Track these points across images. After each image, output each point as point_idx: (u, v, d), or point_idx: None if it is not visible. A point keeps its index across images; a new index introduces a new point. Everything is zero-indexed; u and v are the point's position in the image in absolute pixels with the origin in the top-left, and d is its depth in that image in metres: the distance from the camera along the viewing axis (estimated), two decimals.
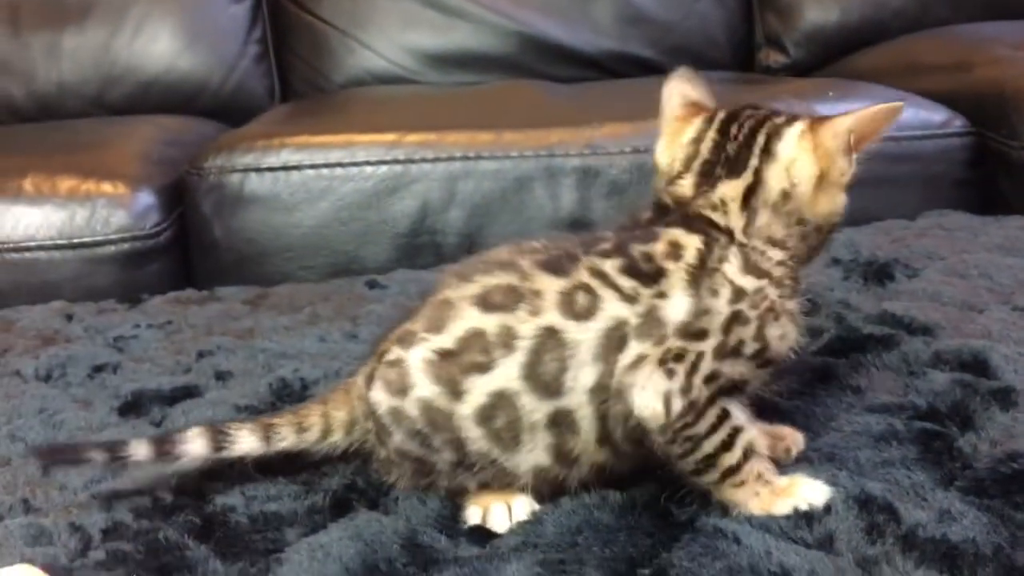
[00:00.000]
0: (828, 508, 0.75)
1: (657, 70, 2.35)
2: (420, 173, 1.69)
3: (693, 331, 0.76)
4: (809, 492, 0.78)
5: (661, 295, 0.77)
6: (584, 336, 0.77)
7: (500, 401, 0.78)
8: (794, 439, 0.87)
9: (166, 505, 0.86)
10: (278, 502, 0.85)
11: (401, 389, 0.80)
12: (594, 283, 0.78)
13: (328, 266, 1.69)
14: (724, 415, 0.77)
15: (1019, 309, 1.14)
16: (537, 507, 0.80)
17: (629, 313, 0.77)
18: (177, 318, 1.42)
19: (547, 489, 0.81)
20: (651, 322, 0.76)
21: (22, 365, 1.26)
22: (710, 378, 0.76)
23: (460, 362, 0.78)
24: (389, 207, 1.69)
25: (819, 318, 1.14)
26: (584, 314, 0.77)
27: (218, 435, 0.88)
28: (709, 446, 0.77)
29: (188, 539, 0.79)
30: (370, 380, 0.83)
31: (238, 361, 1.21)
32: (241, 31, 2.41)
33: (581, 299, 0.77)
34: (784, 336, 0.80)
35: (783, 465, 0.83)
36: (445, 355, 0.79)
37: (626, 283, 0.78)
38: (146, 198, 1.73)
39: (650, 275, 0.78)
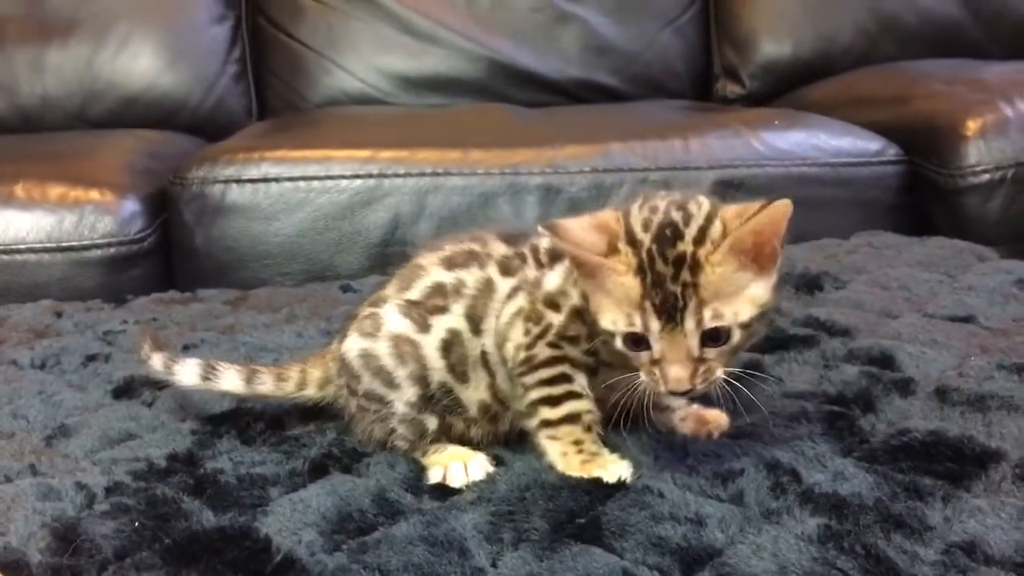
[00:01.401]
0: (741, 471, 0.86)
1: (620, 97, 2.50)
2: (392, 187, 1.78)
3: (552, 303, 0.90)
4: (614, 468, 0.88)
5: (552, 266, 0.91)
6: (504, 288, 0.91)
7: (454, 338, 0.92)
8: (718, 422, 0.98)
9: (161, 469, 0.96)
10: (262, 467, 0.95)
11: (373, 331, 0.93)
12: (527, 253, 0.93)
13: (304, 273, 1.78)
14: (562, 378, 0.90)
15: (929, 316, 1.26)
16: (492, 468, 0.91)
17: (534, 276, 0.91)
18: (162, 316, 1.52)
19: (490, 426, 0.95)
20: (536, 284, 0.91)
21: (17, 355, 1.34)
22: (552, 345, 0.89)
23: (425, 306, 0.92)
24: (362, 218, 1.78)
25: None
26: (510, 273, 0.92)
27: (209, 368, 1.01)
28: (535, 394, 0.90)
29: (183, 495, 0.89)
30: (343, 339, 0.96)
31: (222, 353, 1.30)
32: (221, 51, 2.47)
33: (514, 263, 0.92)
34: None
35: (711, 440, 0.94)
36: (413, 303, 0.93)
37: (545, 258, 0.92)
38: (131, 206, 1.80)
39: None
